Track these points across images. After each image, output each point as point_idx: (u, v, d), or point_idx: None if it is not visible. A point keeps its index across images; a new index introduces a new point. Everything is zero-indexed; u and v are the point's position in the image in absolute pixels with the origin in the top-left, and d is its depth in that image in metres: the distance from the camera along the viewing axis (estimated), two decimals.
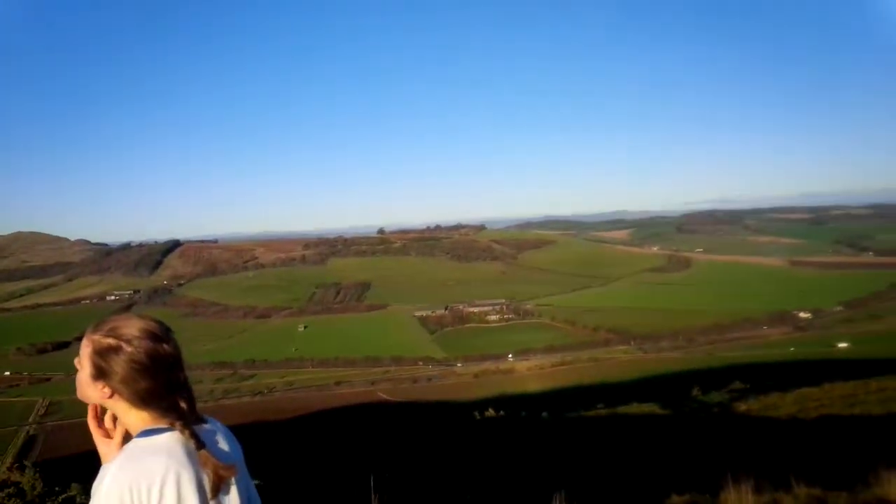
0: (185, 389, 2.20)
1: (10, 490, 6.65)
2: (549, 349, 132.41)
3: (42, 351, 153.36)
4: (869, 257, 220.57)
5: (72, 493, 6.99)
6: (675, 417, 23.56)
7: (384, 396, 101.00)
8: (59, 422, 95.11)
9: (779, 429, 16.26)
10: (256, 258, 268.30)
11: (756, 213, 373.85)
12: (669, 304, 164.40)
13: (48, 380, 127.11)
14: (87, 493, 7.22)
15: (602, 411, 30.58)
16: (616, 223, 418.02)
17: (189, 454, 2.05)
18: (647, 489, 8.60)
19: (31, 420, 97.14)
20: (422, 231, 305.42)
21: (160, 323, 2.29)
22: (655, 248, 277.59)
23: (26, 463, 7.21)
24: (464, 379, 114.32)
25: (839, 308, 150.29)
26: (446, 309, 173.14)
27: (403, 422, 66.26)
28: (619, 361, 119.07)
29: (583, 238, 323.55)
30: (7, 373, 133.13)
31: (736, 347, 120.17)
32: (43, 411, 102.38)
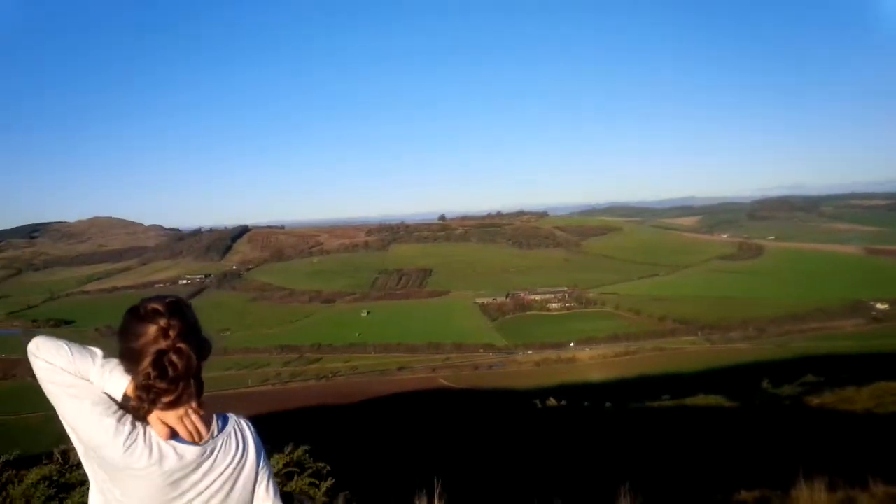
0: None
1: None
2: (613, 338, 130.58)
3: None
4: None
5: None
6: (744, 410, 22.91)
7: (445, 383, 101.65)
8: None
9: (855, 423, 15.64)
10: (321, 244, 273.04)
11: (832, 199, 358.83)
12: (739, 293, 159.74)
13: None
14: None
15: (667, 402, 30.02)
16: (684, 209, 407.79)
17: None
18: (715, 484, 8.41)
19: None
20: (483, 217, 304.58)
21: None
22: (725, 236, 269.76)
23: None
24: (525, 367, 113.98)
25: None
26: (508, 296, 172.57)
27: (465, 409, 66.60)
28: (686, 352, 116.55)
29: (649, 225, 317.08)
30: None
31: (808, 338, 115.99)
32: None
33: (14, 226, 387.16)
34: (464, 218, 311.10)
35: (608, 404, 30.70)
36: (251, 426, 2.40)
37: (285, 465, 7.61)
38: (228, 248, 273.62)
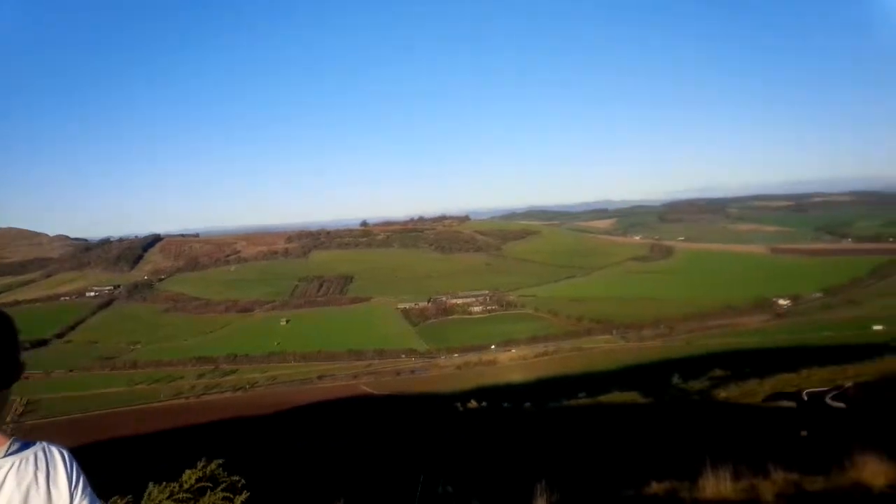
0: None
1: None
2: (533, 340, 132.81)
3: (20, 349, 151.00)
4: (849, 244, 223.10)
5: None
6: (656, 405, 23.68)
7: (367, 390, 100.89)
8: (38, 420, 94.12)
9: (757, 415, 16.35)
10: (238, 252, 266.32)
11: (738, 201, 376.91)
12: (651, 292, 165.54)
13: (26, 378, 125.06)
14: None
15: (584, 400, 30.74)
16: (600, 213, 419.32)
17: None
18: (627, 477, 8.56)
19: (8, 420, 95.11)
20: (405, 223, 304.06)
21: None
22: (638, 238, 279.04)
23: None
24: (447, 371, 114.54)
25: (818, 295, 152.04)
26: (430, 301, 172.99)
27: (386, 416, 66.20)
28: (602, 350, 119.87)
29: (567, 228, 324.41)
30: None
31: (716, 335, 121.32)
32: (21, 410, 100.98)
33: None
34: (385, 223, 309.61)
35: (527, 404, 31.15)
36: (69, 456, 2.26)
37: (198, 480, 7.30)
38: (139, 258, 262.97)
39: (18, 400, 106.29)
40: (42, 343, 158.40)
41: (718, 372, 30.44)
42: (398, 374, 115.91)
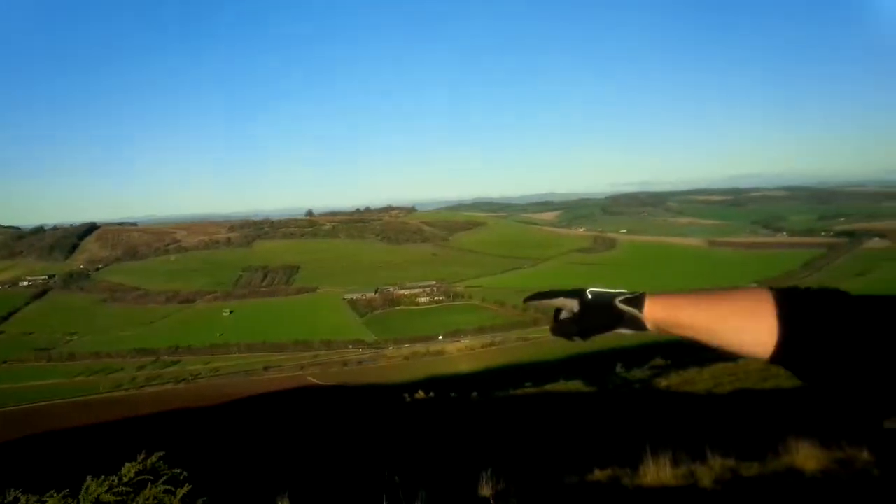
0: None
1: None
2: (480, 330, 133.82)
3: None
4: (783, 237, 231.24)
5: None
6: (600, 394, 24.14)
7: (314, 381, 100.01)
8: None
9: (696, 403, 16.86)
10: (178, 241, 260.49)
11: (678, 194, 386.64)
12: (595, 283, 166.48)
13: None
14: None
15: (530, 390, 31.08)
16: (545, 205, 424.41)
17: None
18: (571, 464, 8.75)
19: None
20: (351, 213, 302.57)
21: None
22: (582, 230, 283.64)
23: None
24: (394, 361, 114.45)
25: (753, 286, 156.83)
26: (377, 291, 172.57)
27: (332, 406, 65.87)
28: (548, 340, 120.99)
29: (512, 220, 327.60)
30: None
31: None
32: None
33: None
34: (331, 213, 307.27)
35: (475, 394, 31.35)
36: None
37: (137, 474, 7.18)
38: (75, 247, 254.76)
39: None
40: None
41: (660, 360, 31.12)
42: (345, 364, 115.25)
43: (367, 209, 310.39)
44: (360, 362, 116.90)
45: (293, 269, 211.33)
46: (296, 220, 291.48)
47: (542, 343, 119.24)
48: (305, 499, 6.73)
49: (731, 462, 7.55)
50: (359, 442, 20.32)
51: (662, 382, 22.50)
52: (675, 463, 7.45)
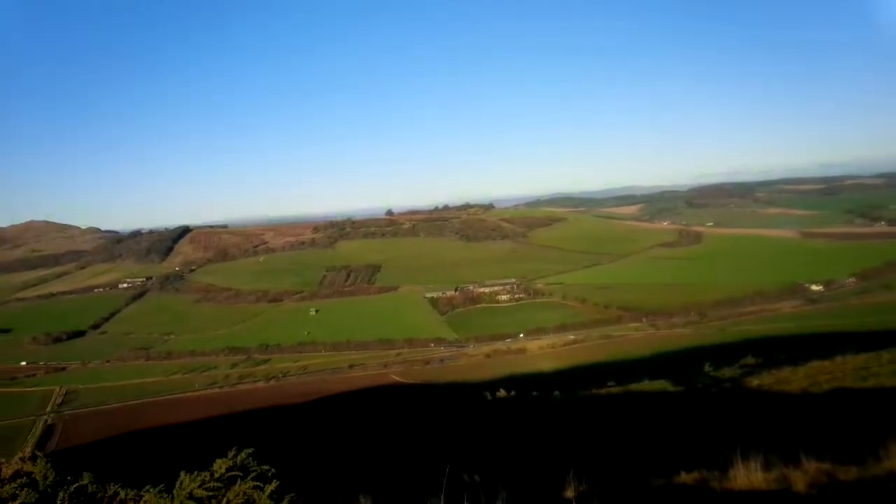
0: None
1: (23, 480, 6.68)
2: (561, 328, 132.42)
3: (57, 340, 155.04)
4: (882, 227, 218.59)
5: (83, 483, 6.99)
6: (687, 394, 23.54)
7: (397, 379, 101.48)
8: (76, 410, 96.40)
9: (790, 403, 16.20)
10: (266, 242, 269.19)
11: (766, 184, 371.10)
12: (680, 279, 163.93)
13: (64, 369, 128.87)
14: (99, 482, 7.24)
15: (614, 389, 30.60)
16: (626, 199, 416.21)
17: None
18: (656, 466, 8.60)
19: (48, 409, 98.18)
20: (430, 211, 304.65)
21: None
22: (666, 223, 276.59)
23: (38, 453, 7.24)
24: (476, 359, 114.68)
25: (852, 279, 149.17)
26: (457, 289, 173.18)
27: (415, 405, 66.59)
28: (631, 338, 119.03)
29: (593, 214, 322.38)
30: (23, 363, 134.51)
31: (748, 321, 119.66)
32: (60, 400, 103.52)
33: None
34: (411, 212, 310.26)
35: (557, 393, 31.17)
36: None
37: (228, 470, 7.41)
38: (170, 250, 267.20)
39: (58, 390, 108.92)
40: (79, 334, 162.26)
41: (751, 359, 30.06)
42: (427, 363, 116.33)
43: (446, 207, 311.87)
44: (441, 360, 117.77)
45: (375, 269, 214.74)
46: (376, 219, 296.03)
47: (625, 341, 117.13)
48: (387, 497, 6.84)
49: (827, 466, 7.24)
50: (440, 440, 20.53)
51: (754, 381, 21.73)
52: (767, 466, 7.21)
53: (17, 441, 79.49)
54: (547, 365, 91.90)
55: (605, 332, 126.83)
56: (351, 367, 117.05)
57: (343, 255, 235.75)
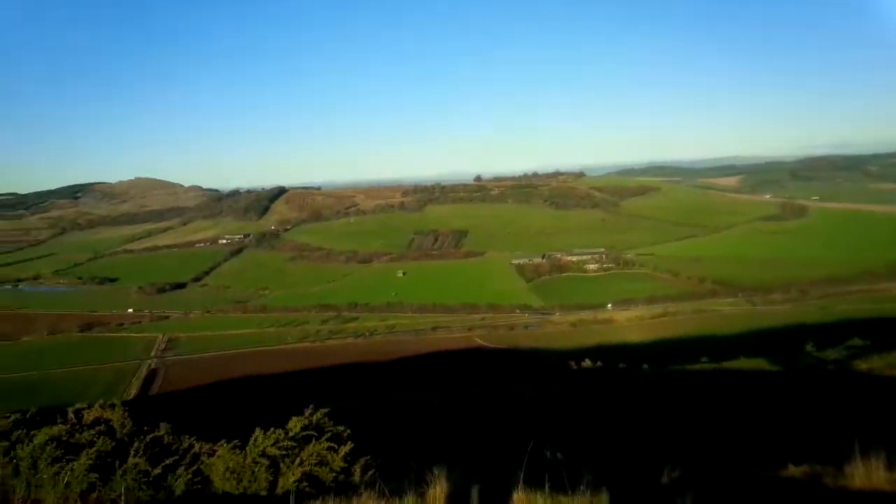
0: None
1: (101, 428, 6.68)
2: (651, 300, 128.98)
3: (161, 290, 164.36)
4: None
5: (160, 434, 6.97)
6: (787, 374, 22.18)
7: (481, 342, 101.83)
8: (177, 357, 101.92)
9: None
10: (357, 205, 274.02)
11: (878, 158, 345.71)
12: (782, 254, 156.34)
13: (166, 317, 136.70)
14: (175, 433, 7.22)
15: (706, 365, 29.38)
16: (726, 169, 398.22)
17: None
18: (760, 457, 7.86)
19: (152, 354, 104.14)
20: (519, 178, 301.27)
21: None
22: (768, 196, 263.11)
23: (115, 401, 7.26)
24: (561, 328, 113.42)
25: None
26: (544, 257, 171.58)
27: (499, 368, 66.70)
28: (726, 314, 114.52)
29: (689, 185, 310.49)
30: (130, 310, 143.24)
31: (854, 301, 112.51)
32: (163, 347, 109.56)
33: (57, 186, 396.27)
34: (499, 179, 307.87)
35: (645, 366, 30.23)
36: None
37: (303, 429, 7.35)
38: (266, 209, 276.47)
39: (161, 337, 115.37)
40: (181, 286, 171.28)
41: (858, 341, 28.13)
42: (512, 328, 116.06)
43: (535, 174, 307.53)
44: (526, 326, 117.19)
45: (462, 234, 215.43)
46: (464, 185, 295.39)
47: (718, 316, 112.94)
48: (463, 468, 6.47)
49: None
50: (520, 409, 20.17)
51: (862, 365, 20.23)
52: (890, 465, 6.38)
53: (124, 382, 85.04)
54: (635, 337, 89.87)
55: (697, 306, 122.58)
56: (435, 329, 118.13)
57: (431, 220, 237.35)
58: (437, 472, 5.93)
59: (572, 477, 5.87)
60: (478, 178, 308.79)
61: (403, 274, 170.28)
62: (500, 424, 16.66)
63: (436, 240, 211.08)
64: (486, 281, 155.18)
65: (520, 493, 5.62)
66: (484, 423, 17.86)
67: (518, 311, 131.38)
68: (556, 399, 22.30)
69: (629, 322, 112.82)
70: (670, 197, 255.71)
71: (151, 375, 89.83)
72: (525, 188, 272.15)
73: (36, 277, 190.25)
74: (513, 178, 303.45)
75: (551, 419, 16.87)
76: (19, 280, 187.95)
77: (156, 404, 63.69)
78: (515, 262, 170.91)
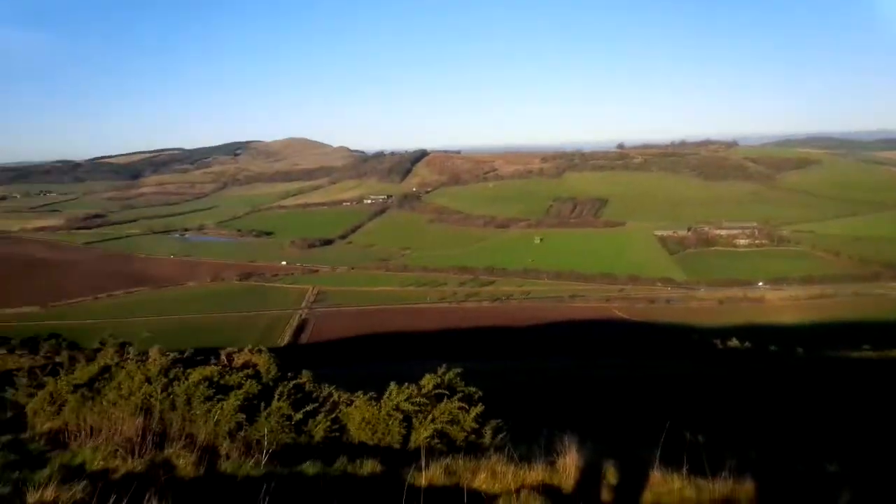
0: None
1: (249, 371, 6.91)
2: (807, 280, 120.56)
3: (311, 245, 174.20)
4: None
5: (302, 381, 7.15)
6: None
7: (619, 314, 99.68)
8: (326, 308, 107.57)
9: None
10: (495, 169, 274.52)
11: None
12: None
13: (316, 271, 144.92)
14: (316, 381, 7.39)
15: (869, 353, 27.04)
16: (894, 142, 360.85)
17: None
18: None
19: (303, 305, 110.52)
20: (665, 147, 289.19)
21: None
22: None
23: (262, 347, 7.52)
24: (706, 304, 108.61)
25: None
26: (689, 229, 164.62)
27: (638, 342, 64.82)
28: (892, 299, 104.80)
29: (854, 158, 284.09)
30: (283, 262, 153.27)
31: None
32: (312, 299, 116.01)
33: (220, 143, 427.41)
34: (644, 147, 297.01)
35: (799, 350, 28.16)
36: None
37: (435, 387, 7.52)
38: (408, 171, 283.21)
39: (311, 289, 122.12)
40: (328, 242, 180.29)
41: None
42: (652, 301, 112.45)
43: (683, 143, 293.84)
44: (668, 301, 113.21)
45: (601, 202, 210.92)
46: (605, 152, 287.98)
47: (883, 301, 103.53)
48: (596, 440, 6.16)
49: None
50: (660, 387, 19.33)
51: None
52: None
53: (278, 329, 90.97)
54: (788, 318, 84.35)
55: (859, 289, 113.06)
56: (572, 297, 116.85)
57: (570, 187, 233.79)
58: (567, 442, 5.87)
59: (713, 461, 5.51)
60: (620, 146, 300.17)
61: (541, 240, 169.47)
62: (636, 400, 16.02)
63: (574, 207, 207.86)
64: (626, 251, 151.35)
65: (656, 473, 5.49)
66: (618, 396, 17.27)
67: (659, 283, 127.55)
68: (699, 378, 21.23)
69: (782, 302, 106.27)
70: (833, 171, 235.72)
71: (302, 325, 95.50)
72: (671, 157, 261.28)
73: (200, 228, 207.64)
74: (658, 147, 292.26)
75: (692, 399, 16.03)
76: (186, 229, 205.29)
77: (304, 352, 67.51)
78: (658, 233, 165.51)
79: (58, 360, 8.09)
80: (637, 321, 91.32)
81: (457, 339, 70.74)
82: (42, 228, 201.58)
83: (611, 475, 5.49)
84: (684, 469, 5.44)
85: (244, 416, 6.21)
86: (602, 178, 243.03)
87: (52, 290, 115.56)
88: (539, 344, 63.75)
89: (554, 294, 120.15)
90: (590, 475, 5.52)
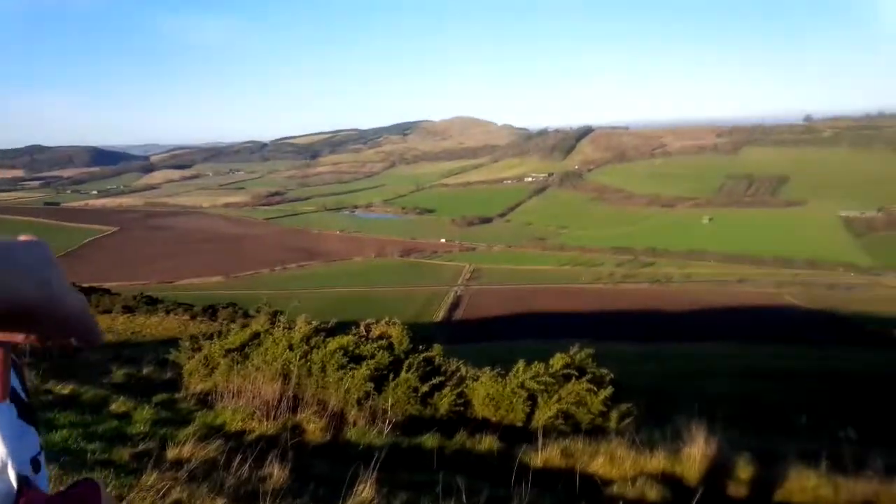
0: None
1: (383, 343, 7.64)
2: None
3: (470, 223, 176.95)
4: None
5: (432, 354, 7.72)
6: None
7: (792, 301, 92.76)
8: (480, 286, 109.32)
9: None
10: (664, 146, 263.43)
11: None
12: None
13: (473, 249, 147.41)
14: (446, 355, 8.02)
15: None
16: None
17: None
18: None
19: (459, 282, 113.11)
20: (858, 119, 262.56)
21: None
22: None
23: (396, 320, 8.22)
24: (892, 292, 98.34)
25: None
26: (879, 210, 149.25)
27: (808, 330, 60.38)
28: None
29: None
30: (443, 240, 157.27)
31: None
32: (468, 276, 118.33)
33: (391, 123, 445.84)
34: (834, 119, 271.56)
35: None
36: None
37: (564, 367, 7.60)
38: (572, 149, 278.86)
39: (467, 266, 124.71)
40: (487, 220, 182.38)
41: None
42: (831, 288, 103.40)
43: (880, 115, 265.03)
44: (849, 287, 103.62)
45: (781, 180, 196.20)
46: (790, 126, 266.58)
47: None
48: (726, 432, 6.16)
49: None
50: (816, 377, 18.27)
51: None
52: None
53: (434, 305, 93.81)
54: None
55: None
56: (741, 281, 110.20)
57: (747, 163, 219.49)
58: (695, 430, 5.63)
59: (858, 457, 5.41)
60: (807, 119, 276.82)
61: (710, 220, 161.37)
62: (790, 391, 15.34)
63: (749, 185, 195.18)
64: (805, 233, 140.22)
65: (791, 469, 5.23)
66: (770, 386, 16.57)
67: (841, 269, 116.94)
68: (870, 371, 19.73)
69: None
70: None
71: (457, 301, 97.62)
72: (864, 130, 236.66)
73: (368, 205, 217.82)
74: (851, 119, 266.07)
75: (856, 393, 15.08)
76: (355, 207, 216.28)
77: (456, 328, 69.37)
78: (843, 214, 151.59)
79: (232, 327, 9.24)
80: (811, 308, 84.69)
81: (607, 321, 69.41)
82: (228, 205, 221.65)
83: (740, 469, 5.30)
84: (823, 466, 5.14)
85: (373, 386, 6.74)
86: (784, 153, 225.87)
87: (235, 262, 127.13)
88: (695, 328, 61.06)
89: (720, 277, 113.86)
90: (716, 467, 5.35)
